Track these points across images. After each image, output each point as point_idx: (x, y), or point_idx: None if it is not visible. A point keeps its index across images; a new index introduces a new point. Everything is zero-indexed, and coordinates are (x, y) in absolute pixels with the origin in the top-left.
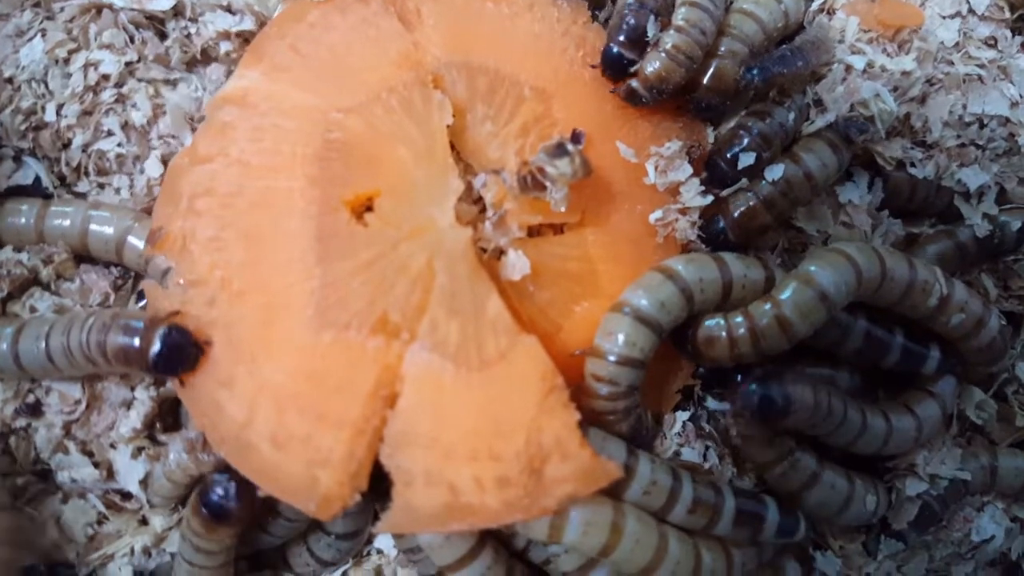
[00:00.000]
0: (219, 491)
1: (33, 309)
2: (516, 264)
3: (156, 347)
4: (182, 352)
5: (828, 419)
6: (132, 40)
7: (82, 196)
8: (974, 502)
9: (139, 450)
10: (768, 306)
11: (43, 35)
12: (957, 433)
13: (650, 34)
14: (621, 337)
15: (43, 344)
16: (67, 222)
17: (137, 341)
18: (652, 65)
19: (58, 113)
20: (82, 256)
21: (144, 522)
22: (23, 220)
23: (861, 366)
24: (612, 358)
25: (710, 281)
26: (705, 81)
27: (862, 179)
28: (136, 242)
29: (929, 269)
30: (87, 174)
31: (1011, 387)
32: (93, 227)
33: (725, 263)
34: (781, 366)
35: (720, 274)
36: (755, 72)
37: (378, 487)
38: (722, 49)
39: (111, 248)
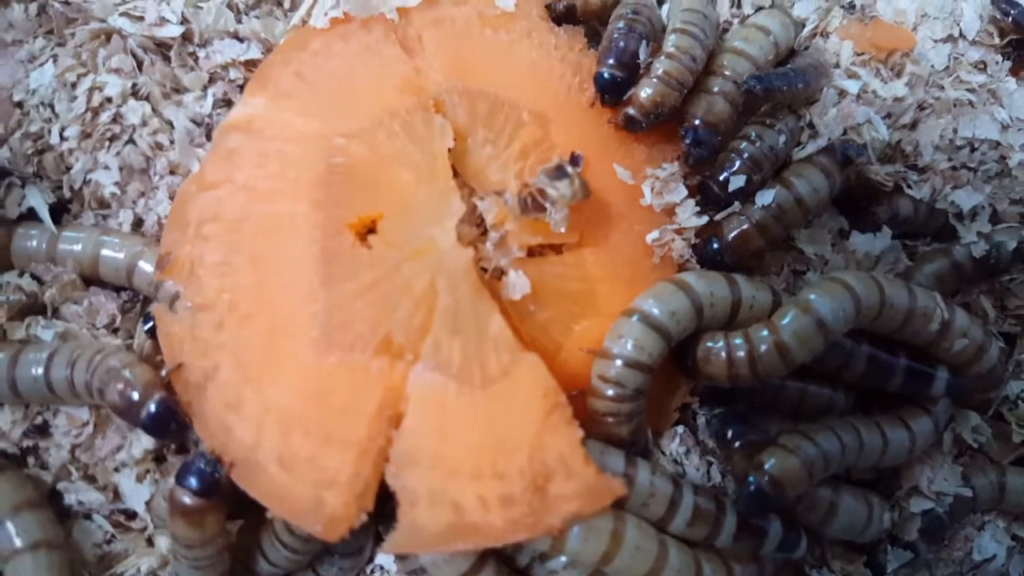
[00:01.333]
0: (201, 464)
1: (36, 338)
2: (516, 284)
3: (145, 417)
4: (167, 425)
5: (828, 468)
6: (140, 66)
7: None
8: (975, 520)
9: (145, 472)
10: (766, 332)
11: (54, 60)
12: (957, 453)
13: (641, 58)
14: (630, 341)
15: (42, 371)
16: (78, 247)
17: (134, 397)
18: (645, 91)
19: (61, 136)
20: (91, 280)
21: (151, 543)
22: (34, 244)
23: (866, 389)
24: (620, 361)
25: (720, 297)
26: (698, 118)
27: (885, 236)
28: (146, 266)
29: (929, 295)
30: (91, 206)
31: (1005, 405)
32: (104, 252)
33: (736, 283)
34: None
35: (730, 292)
36: (756, 82)
37: (382, 507)
38: (715, 88)
39: (121, 273)
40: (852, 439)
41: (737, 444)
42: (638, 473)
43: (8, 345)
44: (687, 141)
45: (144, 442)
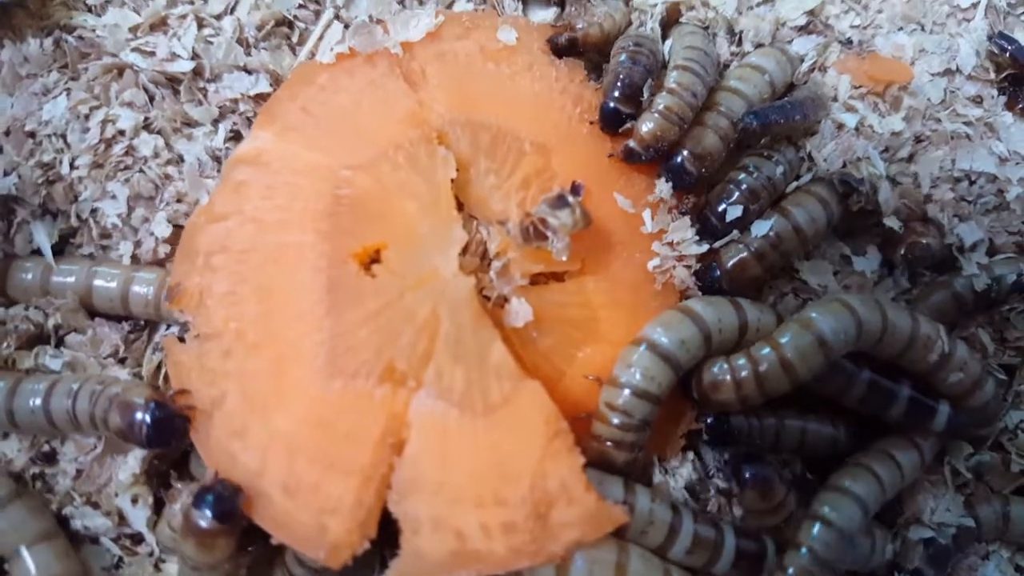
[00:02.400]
0: (220, 490)
1: (44, 367)
2: (519, 311)
3: (146, 430)
4: (170, 426)
5: (852, 546)
6: (152, 100)
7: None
8: (979, 550)
9: (137, 496)
10: (768, 349)
11: (67, 94)
12: (961, 483)
13: (644, 91)
14: (639, 370)
15: (40, 402)
16: (71, 279)
17: (137, 417)
18: (647, 125)
19: (72, 165)
20: (92, 312)
21: (158, 568)
22: (29, 276)
23: (866, 415)
24: (628, 390)
25: (728, 323)
26: (687, 151)
27: (874, 256)
28: (140, 290)
29: (932, 325)
30: (93, 237)
31: (1005, 435)
32: (97, 282)
33: (741, 307)
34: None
35: (737, 317)
36: (752, 118)
37: (385, 534)
38: (708, 122)
39: (116, 303)
40: (854, 511)
41: (751, 483)
42: (637, 500)
43: (10, 375)
44: (665, 164)
45: (132, 464)
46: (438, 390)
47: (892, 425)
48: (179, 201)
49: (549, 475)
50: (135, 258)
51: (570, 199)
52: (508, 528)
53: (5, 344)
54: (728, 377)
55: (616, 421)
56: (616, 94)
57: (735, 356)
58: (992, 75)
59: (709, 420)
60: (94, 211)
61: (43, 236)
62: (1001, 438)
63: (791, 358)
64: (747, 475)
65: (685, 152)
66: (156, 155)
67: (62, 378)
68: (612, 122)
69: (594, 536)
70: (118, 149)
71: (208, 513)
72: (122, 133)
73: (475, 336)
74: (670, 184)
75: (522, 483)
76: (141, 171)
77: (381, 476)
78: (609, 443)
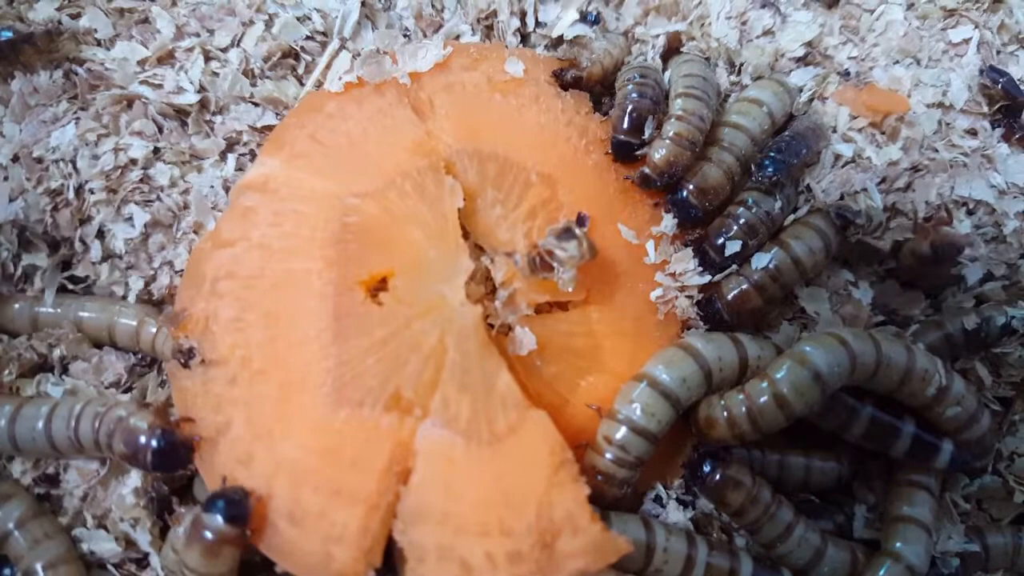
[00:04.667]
0: (231, 493)
1: (46, 395)
2: (523, 339)
3: (153, 455)
4: (176, 454)
5: None
6: (161, 130)
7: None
8: None
9: (136, 520)
10: (764, 384)
11: (76, 123)
12: (962, 512)
13: (651, 122)
14: (639, 406)
15: (42, 425)
16: (59, 309)
17: (141, 441)
18: (659, 152)
19: (81, 189)
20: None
21: None
22: (17, 306)
23: (869, 451)
24: (626, 427)
25: (728, 361)
26: (692, 185)
27: (866, 289)
28: (126, 321)
29: (929, 358)
30: (92, 262)
31: (1002, 463)
32: (83, 315)
33: (741, 343)
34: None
35: (737, 353)
36: (771, 169)
37: (391, 563)
38: (712, 157)
39: (103, 333)
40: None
41: (716, 479)
42: (656, 536)
43: (12, 399)
44: (670, 198)
45: (134, 480)
46: (444, 419)
47: (894, 460)
48: (196, 232)
49: (554, 505)
50: (146, 286)
51: (577, 231)
52: (513, 558)
53: (7, 371)
54: (724, 414)
55: (610, 456)
56: (625, 126)
57: (731, 393)
58: (985, 108)
59: (695, 455)
60: (101, 235)
61: (53, 286)
62: (998, 466)
63: (786, 394)
64: (706, 472)
65: (690, 187)
66: (173, 184)
67: (63, 401)
68: (623, 153)
69: (599, 566)
70: (133, 176)
71: (219, 517)
72: (134, 162)
73: (481, 365)
74: (672, 212)
75: (528, 513)
76: (158, 199)
77: (387, 505)
78: (600, 476)
